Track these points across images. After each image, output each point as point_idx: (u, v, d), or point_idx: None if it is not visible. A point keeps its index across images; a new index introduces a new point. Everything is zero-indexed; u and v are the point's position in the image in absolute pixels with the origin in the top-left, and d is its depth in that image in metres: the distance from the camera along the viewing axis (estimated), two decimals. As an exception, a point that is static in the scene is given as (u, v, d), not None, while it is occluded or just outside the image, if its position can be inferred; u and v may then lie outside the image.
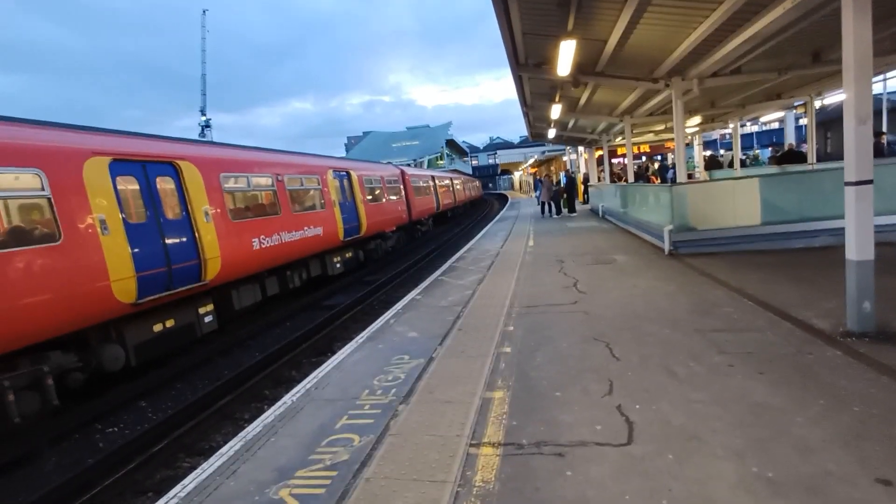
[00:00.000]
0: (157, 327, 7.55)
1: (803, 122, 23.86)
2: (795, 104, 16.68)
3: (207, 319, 8.52)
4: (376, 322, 6.68)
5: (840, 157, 16.54)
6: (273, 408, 4.09)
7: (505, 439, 3.22)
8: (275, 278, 10.86)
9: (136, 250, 6.94)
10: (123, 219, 6.87)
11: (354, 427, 3.59)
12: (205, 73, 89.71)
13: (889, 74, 17.07)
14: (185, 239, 7.95)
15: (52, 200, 5.94)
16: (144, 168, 7.46)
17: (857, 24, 4.23)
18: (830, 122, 18.81)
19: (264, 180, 10.55)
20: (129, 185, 7.24)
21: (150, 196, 7.47)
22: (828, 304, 5.26)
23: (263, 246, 9.89)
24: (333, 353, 7.08)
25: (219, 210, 8.73)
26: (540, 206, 21.57)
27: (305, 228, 11.58)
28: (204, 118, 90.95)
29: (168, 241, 7.56)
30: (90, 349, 6.63)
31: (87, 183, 6.42)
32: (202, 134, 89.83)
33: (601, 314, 5.89)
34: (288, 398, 4.26)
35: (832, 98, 15.48)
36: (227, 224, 8.90)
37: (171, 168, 7.95)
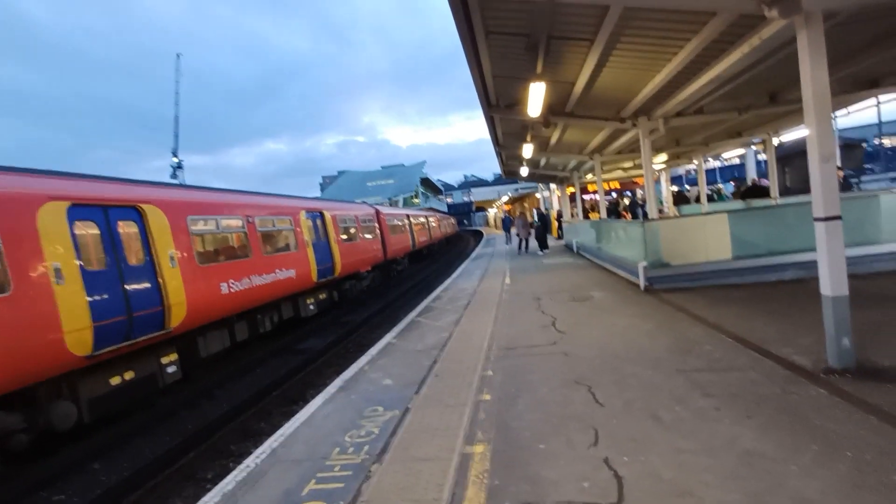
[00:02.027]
0: (115, 380, 7.07)
1: (761, 157, 24.97)
2: (755, 141, 17.39)
3: (170, 369, 8.06)
4: (349, 369, 6.38)
5: (799, 190, 17.19)
6: (234, 472, 3.75)
7: (487, 502, 2.98)
8: (244, 322, 10.45)
9: (93, 299, 6.55)
10: (81, 266, 6.51)
11: (323, 493, 3.29)
12: (178, 114, 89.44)
13: (838, 114, 18.05)
14: (147, 285, 7.59)
15: (2, 250, 5.59)
16: (105, 213, 7.16)
17: (814, 67, 4.38)
18: (787, 157, 19.63)
19: (234, 222, 10.28)
20: (89, 230, 6.92)
21: (112, 242, 7.13)
22: (805, 340, 5.24)
23: (233, 290, 9.53)
24: (306, 401, 6.74)
25: (185, 254, 8.41)
26: (517, 244, 21.68)
27: (277, 271, 11.27)
28: (176, 160, 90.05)
29: (129, 288, 7.19)
30: (38, 407, 6.12)
31: (42, 230, 6.08)
32: (174, 175, 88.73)
33: (581, 355, 5.75)
34: (251, 461, 3.92)
35: (788, 136, 16.19)
36: (194, 268, 8.56)
37: (134, 212, 7.66)
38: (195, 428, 7.02)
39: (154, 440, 7.02)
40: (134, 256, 7.52)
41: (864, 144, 33.34)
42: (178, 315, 7.98)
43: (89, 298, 6.49)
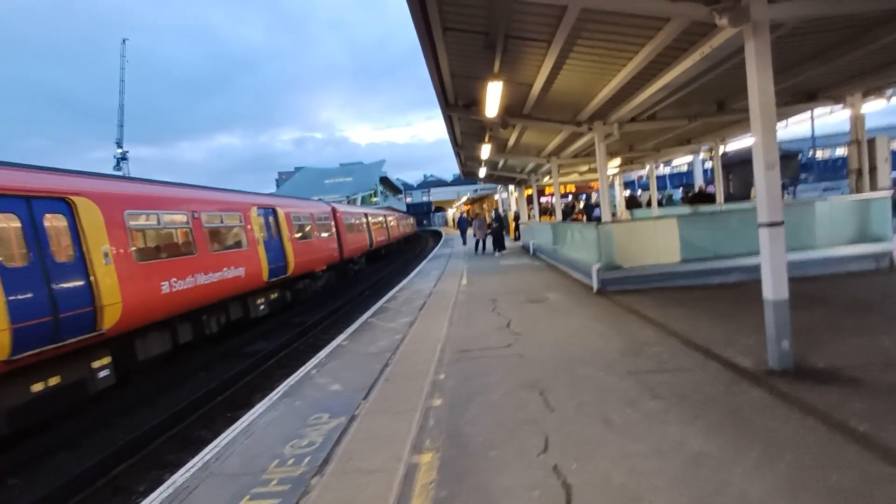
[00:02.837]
0: (37, 387, 6.50)
1: (707, 165, 26.07)
2: (703, 149, 18.11)
3: (103, 374, 7.50)
4: (295, 374, 6.10)
5: (741, 197, 17.98)
6: (159, 489, 3.45)
7: (433, 515, 2.85)
8: (188, 323, 9.91)
9: (12, 298, 6.00)
10: (-2, 262, 5.95)
11: (257, 510, 3.07)
12: (122, 103, 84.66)
13: (777, 125, 19.01)
14: (78, 283, 7.04)
15: None
16: (29, 204, 6.58)
17: (761, 76, 4.49)
18: (731, 165, 20.56)
19: (178, 218, 9.73)
20: (9, 223, 6.34)
21: (36, 236, 6.56)
22: (747, 341, 5.39)
23: (175, 289, 9.01)
24: (252, 406, 6.40)
25: (122, 251, 7.87)
26: (474, 244, 21.78)
27: (225, 269, 10.76)
28: (120, 151, 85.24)
29: (56, 287, 6.64)
30: (-56, 419, 5.55)
31: (-49, 221, 5.51)
32: (118, 167, 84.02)
33: (536, 356, 5.72)
34: (179, 475, 3.63)
35: (732, 144, 16.92)
36: (132, 266, 8.03)
37: (63, 204, 7.08)
38: (129, 437, 6.55)
39: (82, 452, 6.52)
40: (62, 252, 6.96)
41: (800, 156, 35.47)
42: (112, 315, 7.45)
43: (8, 298, 5.95)
